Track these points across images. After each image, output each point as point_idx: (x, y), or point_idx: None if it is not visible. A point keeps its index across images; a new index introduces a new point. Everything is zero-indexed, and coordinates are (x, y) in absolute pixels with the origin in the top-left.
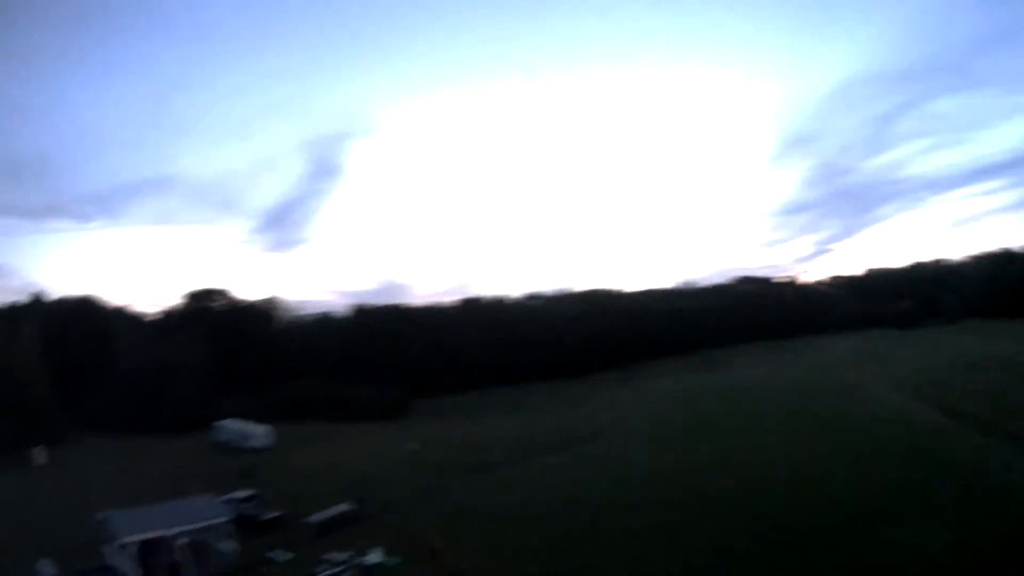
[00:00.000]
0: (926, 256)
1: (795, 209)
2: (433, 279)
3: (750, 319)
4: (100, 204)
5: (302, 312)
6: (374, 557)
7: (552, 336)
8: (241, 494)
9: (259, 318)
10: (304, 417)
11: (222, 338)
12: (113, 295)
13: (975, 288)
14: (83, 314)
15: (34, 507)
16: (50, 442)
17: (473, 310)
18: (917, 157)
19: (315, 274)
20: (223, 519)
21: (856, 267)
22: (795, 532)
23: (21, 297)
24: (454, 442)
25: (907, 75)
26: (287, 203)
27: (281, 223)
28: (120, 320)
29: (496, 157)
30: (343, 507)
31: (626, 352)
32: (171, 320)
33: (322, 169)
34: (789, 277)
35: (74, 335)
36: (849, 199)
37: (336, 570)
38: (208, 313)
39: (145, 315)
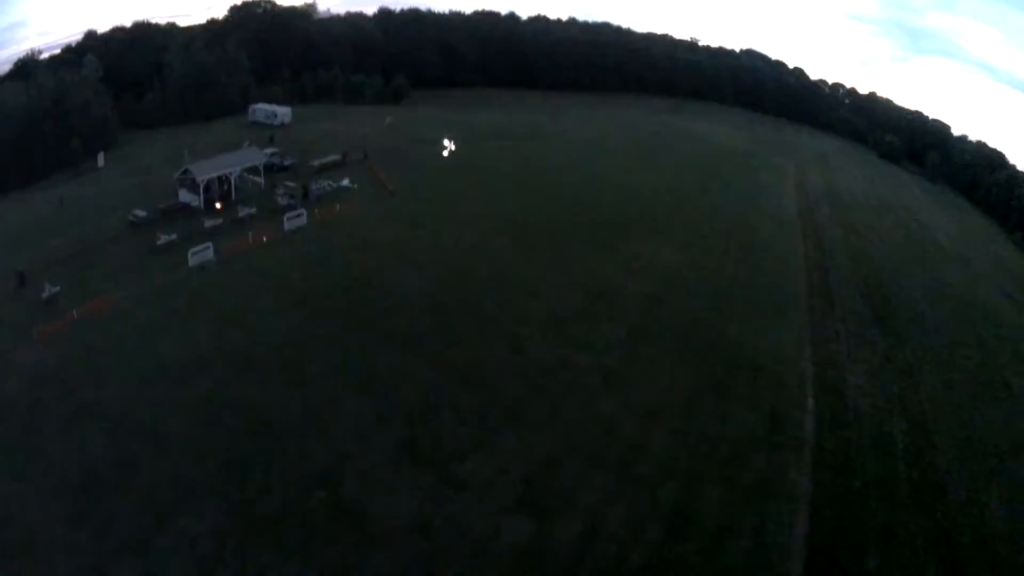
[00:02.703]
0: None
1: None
2: None
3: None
4: None
5: (331, 14)
6: (345, 183)
7: (550, 58)
8: (268, 151)
9: (294, 19)
10: (324, 100)
11: (261, 40)
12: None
13: None
14: (137, 37)
15: (113, 187)
16: (108, 148)
17: (483, 22)
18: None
19: None
20: (259, 162)
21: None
22: None
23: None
24: (432, 121)
25: None
26: None
27: None
28: (169, 36)
29: None
30: (333, 156)
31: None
32: (215, 28)
33: None
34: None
35: (130, 57)
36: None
37: (322, 186)
38: (250, 20)
39: (193, 28)
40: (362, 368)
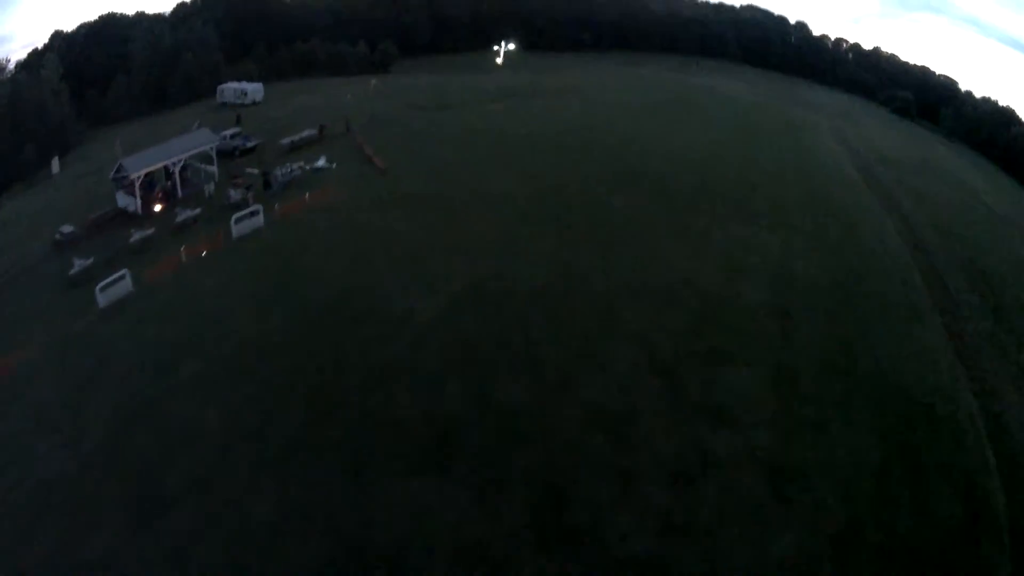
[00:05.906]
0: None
1: None
2: None
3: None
4: None
5: None
6: (320, 163)
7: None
8: (230, 131)
9: None
10: (304, 75)
11: (235, 16)
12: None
13: None
14: (101, 30)
15: (61, 196)
16: (66, 152)
17: None
18: None
19: None
20: (211, 146)
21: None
22: None
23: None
24: (426, 86)
25: None
26: None
27: None
28: (136, 24)
29: None
30: (308, 132)
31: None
32: (185, 10)
33: None
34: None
35: (95, 52)
36: None
37: (289, 169)
38: None
39: (161, 15)
40: (331, 502)
